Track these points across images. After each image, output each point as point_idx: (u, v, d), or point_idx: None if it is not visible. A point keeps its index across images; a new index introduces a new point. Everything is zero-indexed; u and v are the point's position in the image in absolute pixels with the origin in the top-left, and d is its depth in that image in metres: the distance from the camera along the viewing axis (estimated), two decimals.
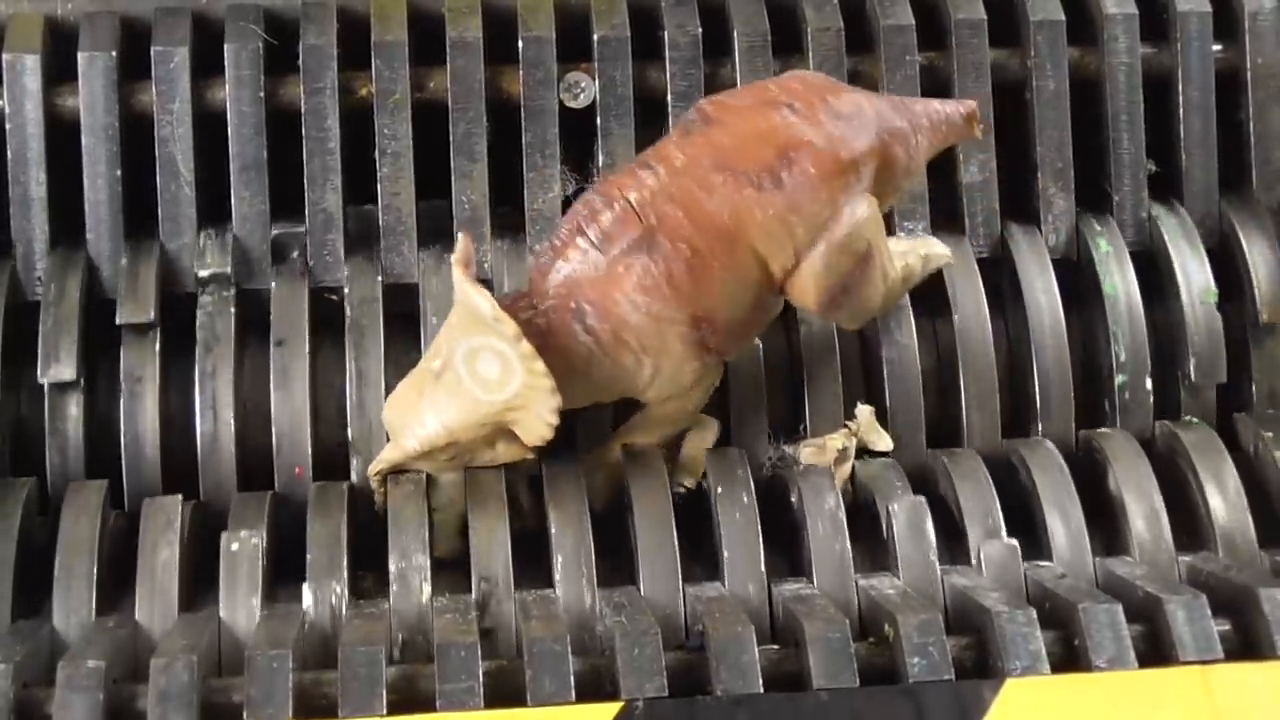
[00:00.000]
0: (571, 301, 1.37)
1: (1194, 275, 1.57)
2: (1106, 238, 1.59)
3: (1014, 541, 1.42)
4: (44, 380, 1.47)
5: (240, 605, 1.36)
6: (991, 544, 1.41)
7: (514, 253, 1.56)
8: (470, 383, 1.37)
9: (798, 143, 1.38)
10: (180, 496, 1.43)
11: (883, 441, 1.51)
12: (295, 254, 1.55)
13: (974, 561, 1.42)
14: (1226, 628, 1.32)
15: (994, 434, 1.53)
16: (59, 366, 1.47)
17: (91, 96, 1.55)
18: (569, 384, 1.37)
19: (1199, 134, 1.62)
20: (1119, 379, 1.55)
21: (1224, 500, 1.45)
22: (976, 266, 1.57)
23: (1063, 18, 1.61)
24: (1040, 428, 1.53)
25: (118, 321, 1.49)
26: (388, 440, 1.44)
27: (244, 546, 1.38)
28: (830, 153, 1.39)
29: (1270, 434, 1.50)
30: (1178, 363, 1.57)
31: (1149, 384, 1.55)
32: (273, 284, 1.54)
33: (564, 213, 1.55)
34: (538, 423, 1.37)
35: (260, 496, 1.44)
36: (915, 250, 1.51)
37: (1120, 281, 1.56)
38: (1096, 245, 1.58)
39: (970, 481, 1.45)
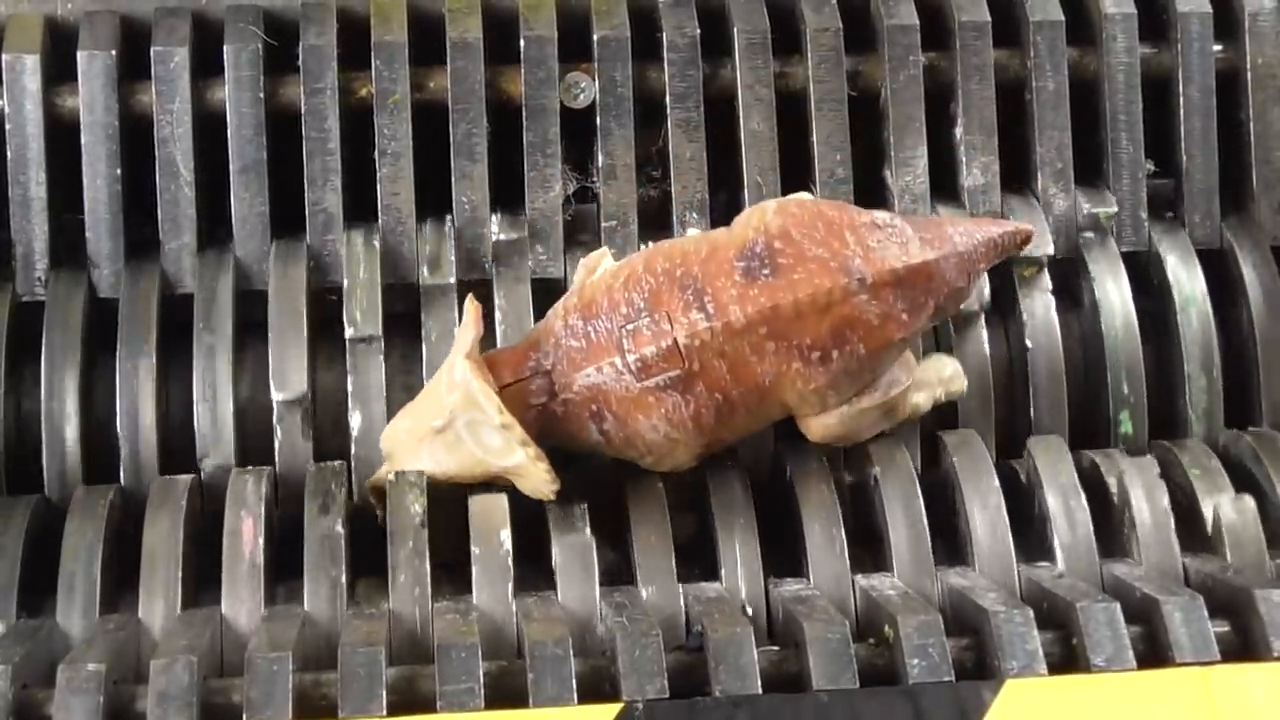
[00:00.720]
0: (593, 404, 1.38)
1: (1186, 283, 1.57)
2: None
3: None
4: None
5: (241, 600, 1.36)
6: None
7: (514, 253, 1.55)
8: (472, 444, 1.39)
9: (857, 323, 1.36)
10: (186, 477, 1.45)
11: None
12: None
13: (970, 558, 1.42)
14: (1225, 629, 1.32)
15: (991, 436, 1.52)
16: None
17: (91, 96, 1.55)
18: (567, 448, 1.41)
19: (1199, 134, 1.62)
20: (1117, 381, 1.55)
21: (1225, 503, 1.45)
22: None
23: (1062, 18, 1.61)
24: (1040, 429, 1.53)
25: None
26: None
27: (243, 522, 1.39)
28: (885, 335, 1.38)
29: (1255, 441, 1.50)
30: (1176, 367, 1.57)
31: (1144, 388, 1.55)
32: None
33: (564, 210, 1.56)
34: (540, 487, 1.40)
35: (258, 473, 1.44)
36: (932, 384, 1.49)
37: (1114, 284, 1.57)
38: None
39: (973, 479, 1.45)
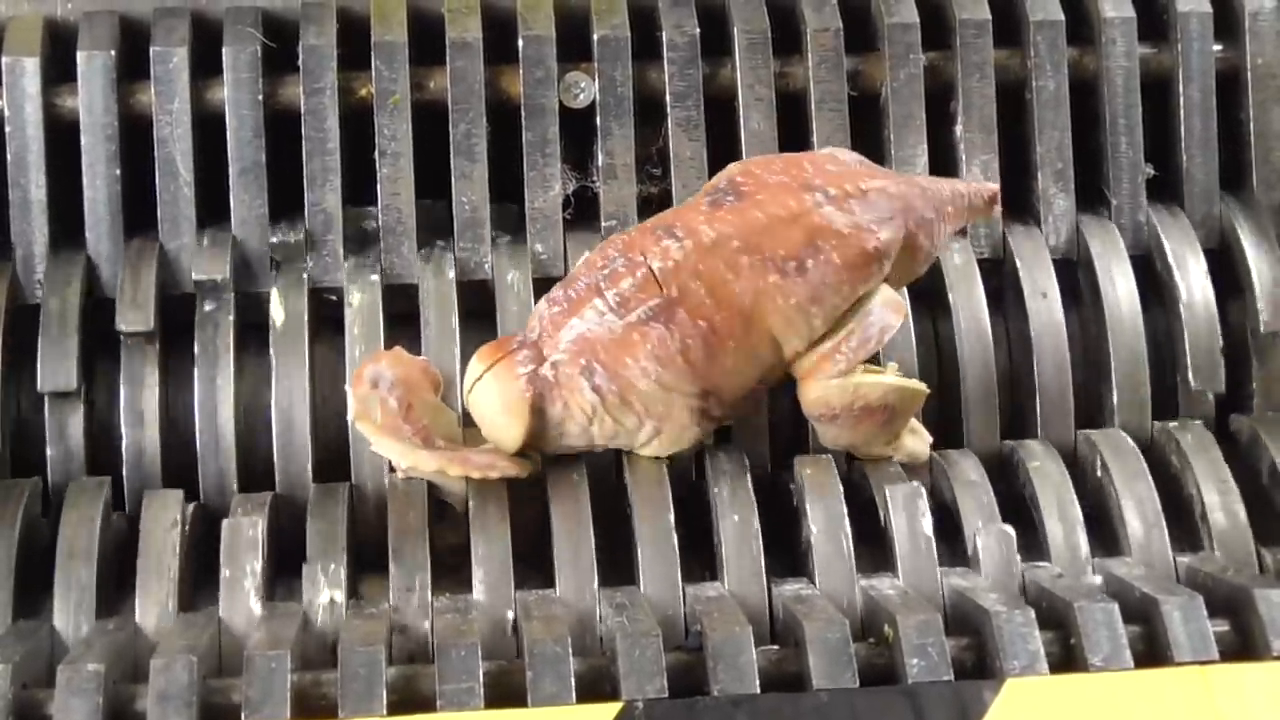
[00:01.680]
0: (582, 359, 1.38)
1: (1193, 281, 1.57)
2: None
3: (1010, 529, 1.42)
4: (43, 390, 1.47)
5: (240, 599, 1.36)
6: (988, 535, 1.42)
7: (514, 253, 1.55)
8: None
9: (827, 231, 1.39)
10: (181, 491, 1.44)
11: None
12: None
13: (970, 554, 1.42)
14: (1224, 628, 1.32)
15: (993, 435, 1.53)
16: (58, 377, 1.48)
17: (90, 96, 1.55)
18: (566, 434, 1.40)
19: (1199, 134, 1.62)
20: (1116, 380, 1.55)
21: (1221, 501, 1.45)
22: (977, 268, 1.57)
23: (1062, 18, 1.61)
24: (1039, 429, 1.53)
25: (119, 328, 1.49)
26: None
27: (244, 533, 1.39)
28: (857, 244, 1.39)
29: (1268, 436, 1.50)
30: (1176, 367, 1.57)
31: (1147, 386, 1.55)
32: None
33: (564, 209, 1.56)
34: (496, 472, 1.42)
35: (261, 498, 1.44)
36: (921, 432, 1.51)
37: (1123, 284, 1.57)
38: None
39: (967, 481, 1.45)
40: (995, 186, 1.51)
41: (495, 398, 1.39)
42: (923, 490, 1.42)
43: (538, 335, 1.40)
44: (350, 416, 1.44)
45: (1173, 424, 1.53)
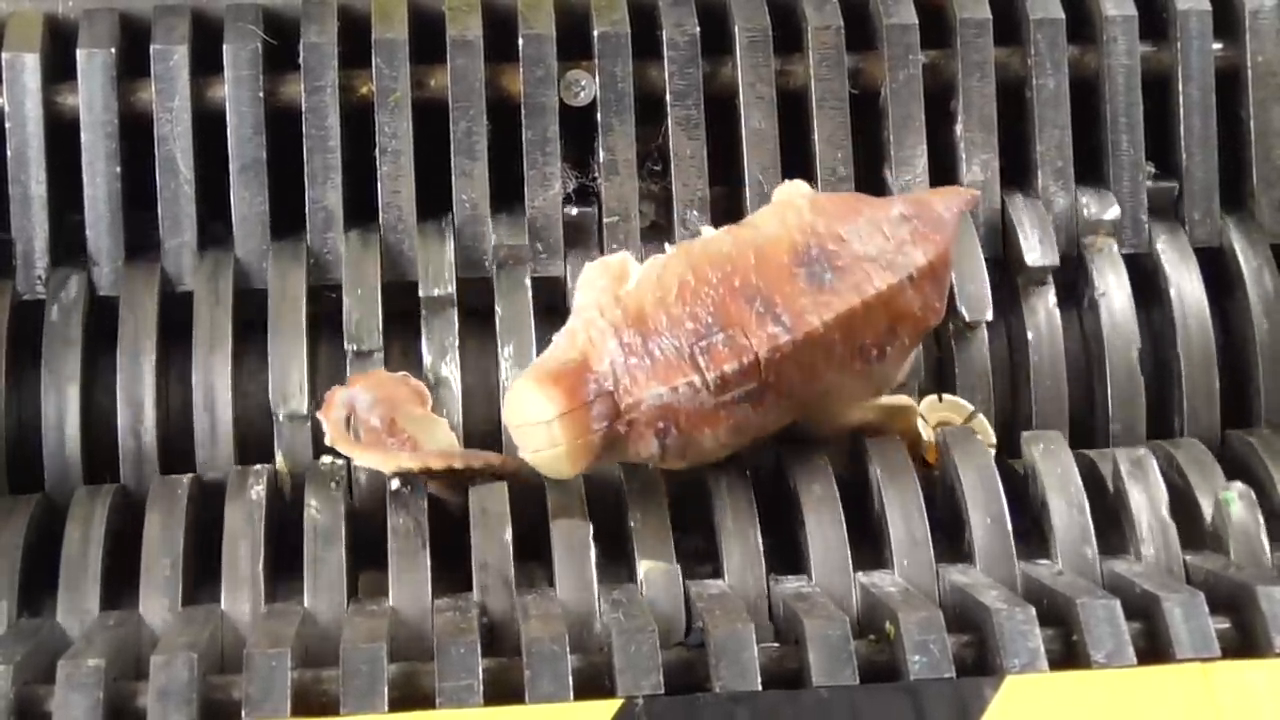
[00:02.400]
0: (661, 423, 1.36)
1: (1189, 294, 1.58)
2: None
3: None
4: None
5: (240, 594, 1.37)
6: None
7: (514, 253, 1.55)
8: None
9: (906, 316, 1.41)
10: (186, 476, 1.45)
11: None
12: None
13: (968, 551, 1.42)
14: (1226, 625, 1.32)
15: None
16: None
17: (91, 94, 1.55)
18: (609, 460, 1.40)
19: (1199, 132, 1.62)
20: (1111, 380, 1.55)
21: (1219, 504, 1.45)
22: (984, 264, 1.57)
23: (1063, 16, 1.61)
24: (1040, 425, 1.54)
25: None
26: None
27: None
28: (925, 324, 1.43)
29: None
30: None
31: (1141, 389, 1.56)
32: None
33: (563, 206, 1.56)
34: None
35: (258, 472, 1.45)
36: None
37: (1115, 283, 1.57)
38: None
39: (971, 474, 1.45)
40: (976, 192, 1.53)
41: (561, 447, 1.35)
42: (919, 489, 1.42)
43: (613, 385, 1.35)
44: (327, 440, 1.43)
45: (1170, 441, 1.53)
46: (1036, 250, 1.56)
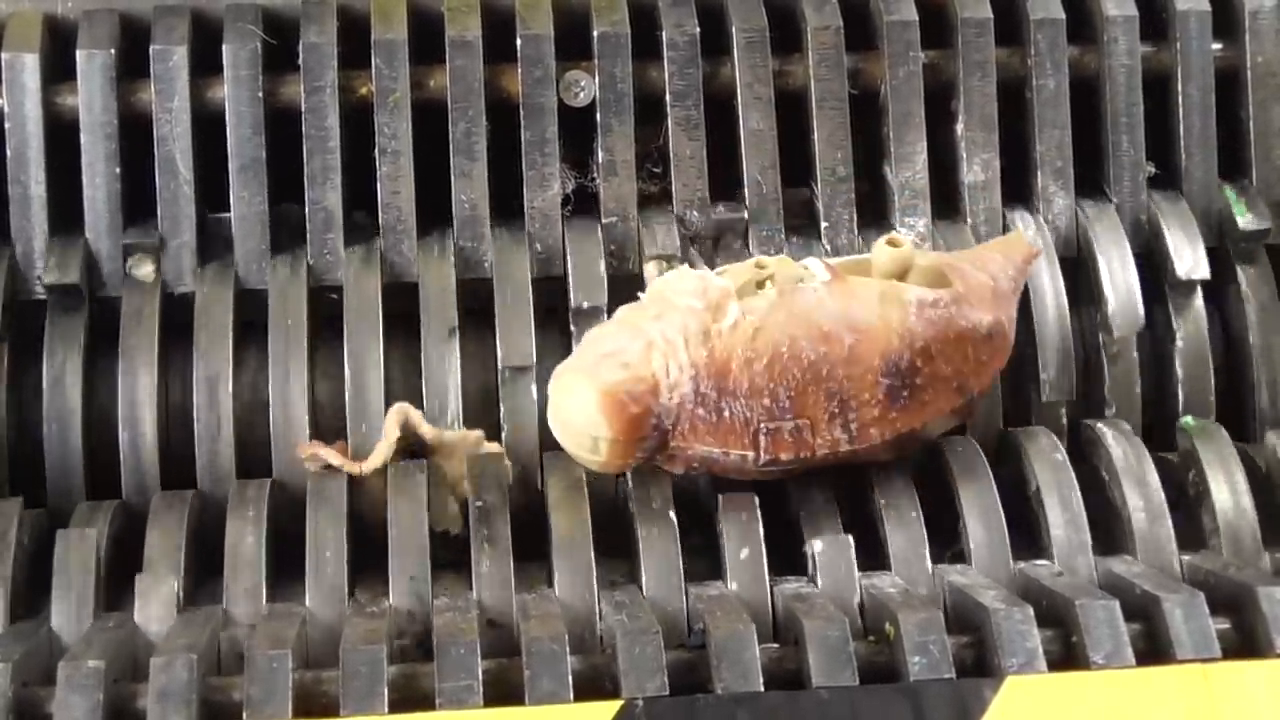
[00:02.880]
0: (696, 463, 1.38)
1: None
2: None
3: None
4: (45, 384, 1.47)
5: (241, 598, 1.37)
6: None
7: (513, 255, 1.55)
8: None
9: (944, 419, 1.43)
10: (189, 492, 1.45)
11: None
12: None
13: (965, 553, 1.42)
14: (1226, 626, 1.32)
15: (994, 423, 1.53)
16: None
17: (90, 94, 1.55)
18: None
19: (1199, 133, 1.62)
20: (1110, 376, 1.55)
21: (1229, 498, 1.45)
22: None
23: (1063, 16, 1.61)
24: (1041, 420, 1.54)
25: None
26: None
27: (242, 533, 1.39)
28: (957, 421, 1.47)
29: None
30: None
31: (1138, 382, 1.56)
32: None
33: (563, 206, 1.56)
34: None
35: (260, 484, 1.45)
36: None
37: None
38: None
39: (969, 474, 1.46)
40: (1038, 249, 1.54)
41: (599, 459, 1.36)
42: (914, 490, 1.43)
43: (672, 424, 1.34)
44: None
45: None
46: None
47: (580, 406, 1.33)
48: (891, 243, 1.44)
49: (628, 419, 1.33)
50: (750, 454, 1.36)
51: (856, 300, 1.39)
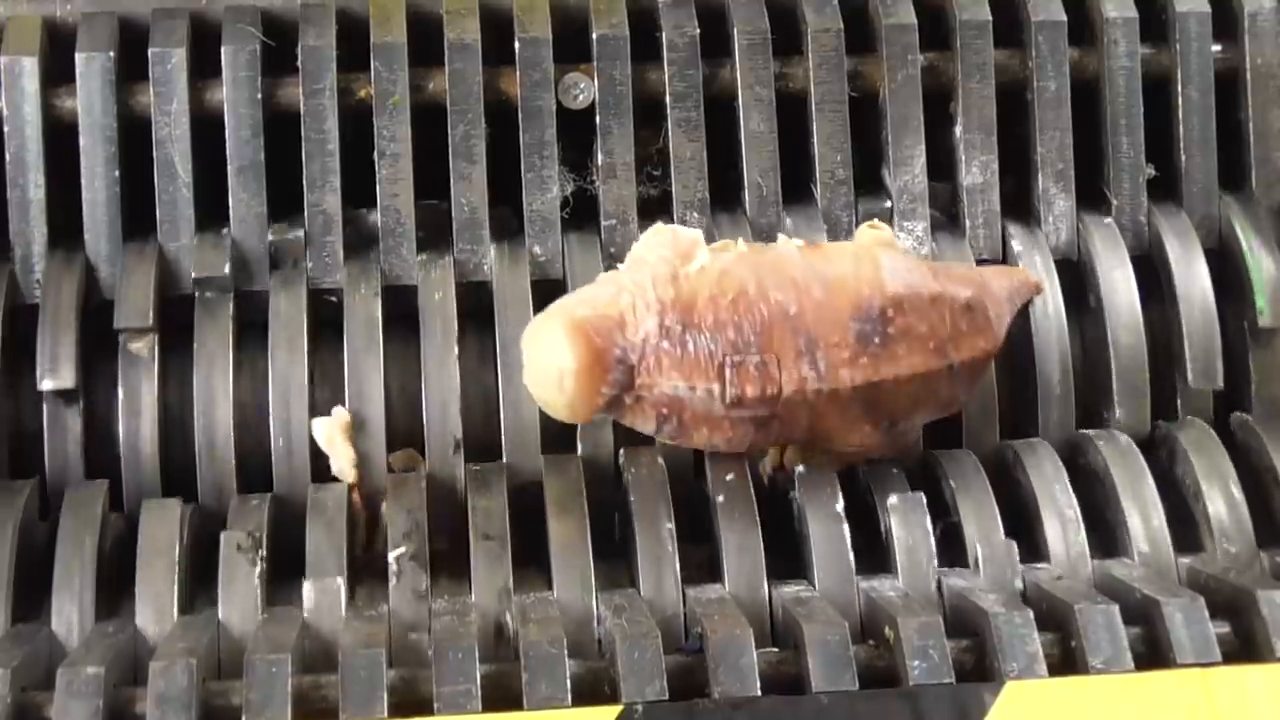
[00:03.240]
0: (665, 409, 1.37)
1: (1193, 280, 1.57)
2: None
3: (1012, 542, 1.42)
4: (43, 388, 1.47)
5: (238, 605, 1.36)
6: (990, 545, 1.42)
7: (513, 255, 1.55)
8: None
9: (932, 397, 1.42)
10: (179, 499, 1.44)
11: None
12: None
13: (971, 563, 1.42)
14: (1225, 630, 1.32)
15: (992, 434, 1.53)
16: (58, 375, 1.48)
17: (89, 97, 1.55)
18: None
19: (1198, 135, 1.62)
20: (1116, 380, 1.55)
21: (1223, 501, 1.45)
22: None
23: (1064, 19, 1.61)
24: (1040, 428, 1.54)
25: (115, 326, 1.49)
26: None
27: (243, 545, 1.38)
28: (947, 407, 1.46)
29: (1267, 435, 1.50)
30: (1175, 365, 1.57)
31: (1146, 385, 1.55)
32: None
33: (562, 209, 1.56)
34: None
35: (260, 498, 1.44)
36: None
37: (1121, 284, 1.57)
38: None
39: (968, 482, 1.45)
40: (1041, 282, 1.54)
41: (565, 396, 1.35)
42: (922, 497, 1.42)
43: (637, 359, 1.35)
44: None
45: (1172, 423, 1.53)
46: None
47: (547, 340, 1.34)
48: (873, 227, 1.48)
49: (593, 350, 1.33)
50: (715, 387, 1.35)
51: (827, 258, 1.41)
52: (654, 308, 1.35)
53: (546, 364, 1.34)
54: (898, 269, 1.41)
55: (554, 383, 1.34)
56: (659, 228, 1.42)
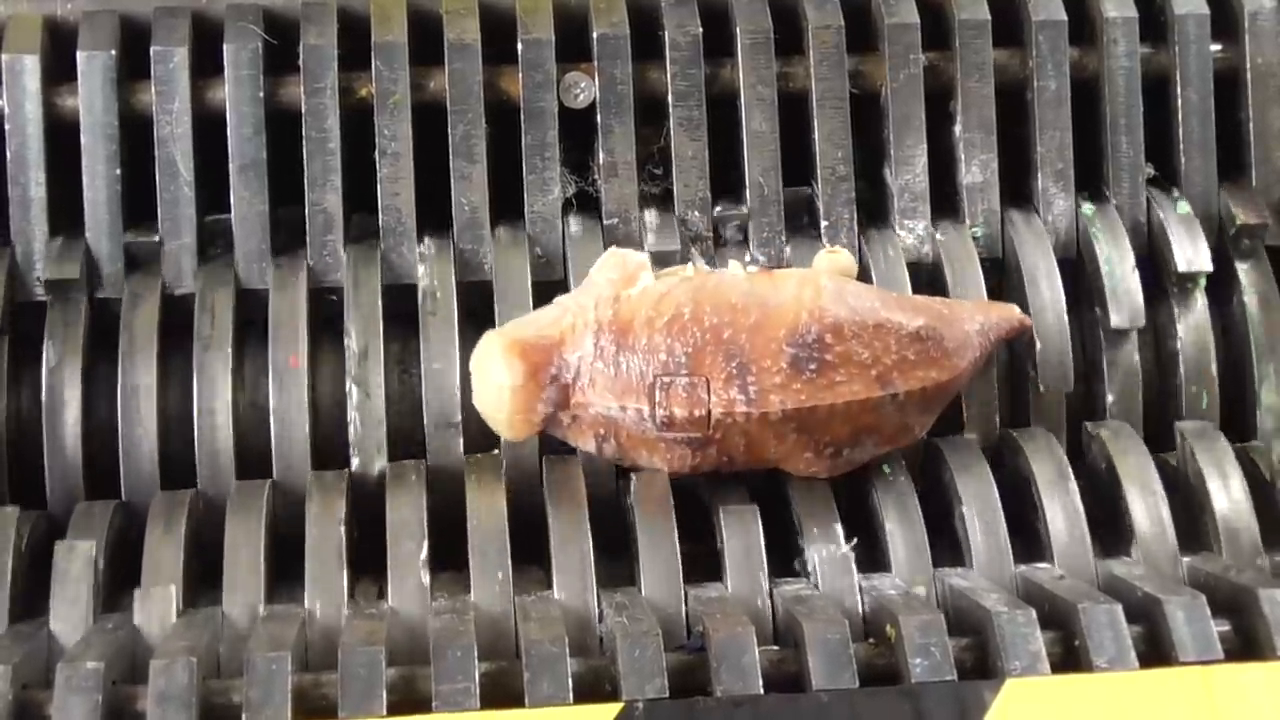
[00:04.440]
0: (602, 430, 1.40)
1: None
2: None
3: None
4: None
5: (240, 600, 1.37)
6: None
7: (513, 255, 1.55)
8: None
9: (878, 428, 1.41)
10: (189, 491, 1.45)
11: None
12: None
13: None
14: (1226, 628, 1.32)
15: (991, 428, 1.53)
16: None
17: (91, 96, 1.55)
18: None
19: (1198, 136, 1.62)
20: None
21: (1228, 500, 1.45)
22: (980, 267, 1.57)
23: (1065, 18, 1.61)
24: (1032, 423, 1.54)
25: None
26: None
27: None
28: (897, 440, 1.44)
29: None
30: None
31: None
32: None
33: (564, 214, 1.56)
34: None
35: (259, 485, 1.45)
36: None
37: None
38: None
39: (969, 475, 1.45)
40: (1028, 322, 1.52)
41: (503, 414, 1.40)
42: (913, 491, 1.42)
43: (572, 378, 1.38)
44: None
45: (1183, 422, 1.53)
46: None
47: (488, 358, 1.40)
48: (832, 253, 1.49)
49: (530, 366, 1.38)
50: (645, 408, 1.37)
51: (773, 283, 1.42)
52: (591, 328, 1.39)
53: (488, 381, 1.39)
54: (842, 295, 1.41)
55: (494, 399, 1.39)
56: (612, 251, 1.45)
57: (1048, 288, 1.55)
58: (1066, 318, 1.54)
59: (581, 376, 1.39)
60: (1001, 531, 1.42)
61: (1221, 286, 1.60)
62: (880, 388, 1.39)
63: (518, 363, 1.38)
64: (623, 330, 1.39)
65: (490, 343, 1.40)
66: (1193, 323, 1.57)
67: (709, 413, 1.37)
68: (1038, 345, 1.53)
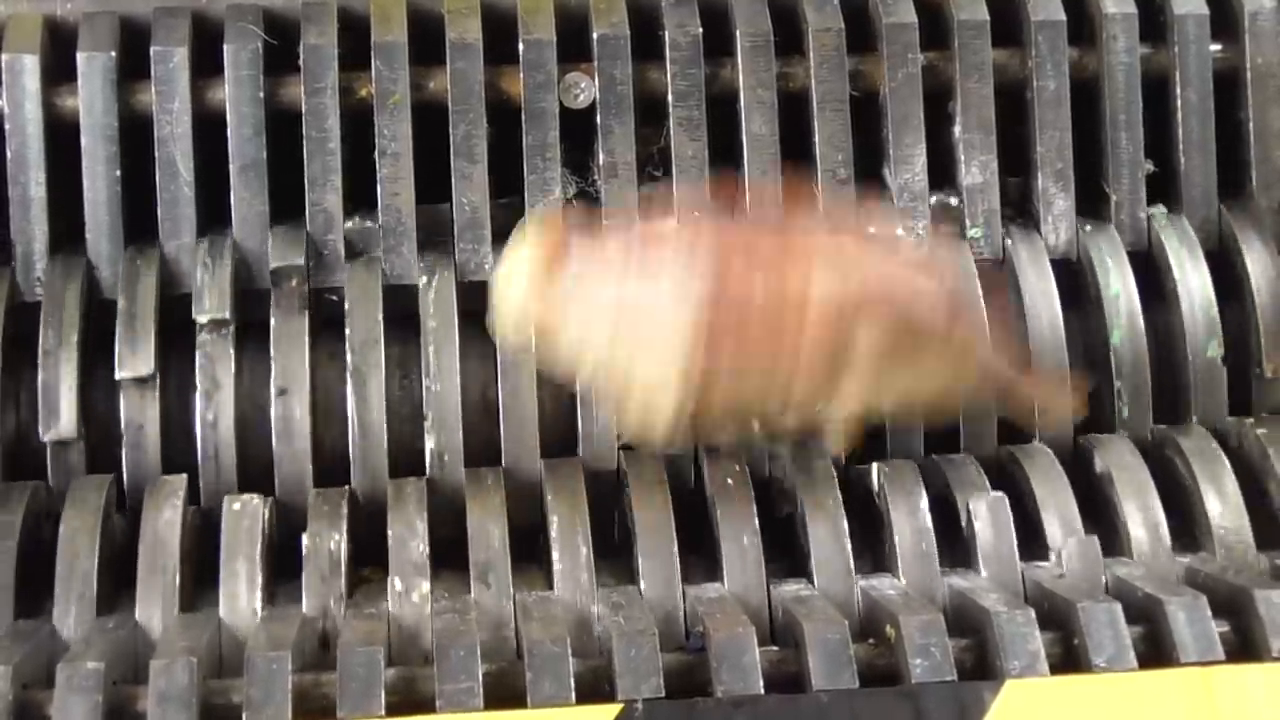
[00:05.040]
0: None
1: (1193, 283, 1.57)
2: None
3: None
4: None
5: (242, 598, 1.37)
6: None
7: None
8: None
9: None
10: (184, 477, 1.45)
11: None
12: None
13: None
14: (1224, 629, 1.32)
15: (990, 437, 1.53)
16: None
17: (91, 96, 1.55)
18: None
19: (1197, 136, 1.62)
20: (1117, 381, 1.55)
21: (1222, 502, 1.45)
22: (975, 268, 1.57)
23: (1064, 18, 1.61)
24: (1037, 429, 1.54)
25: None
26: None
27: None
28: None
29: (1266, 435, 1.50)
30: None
31: (1148, 386, 1.55)
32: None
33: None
34: None
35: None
36: None
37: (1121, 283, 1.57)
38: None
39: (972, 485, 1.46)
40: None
41: (525, 276, 1.36)
42: (922, 491, 1.43)
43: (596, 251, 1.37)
44: None
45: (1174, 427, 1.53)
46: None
47: (528, 232, 1.39)
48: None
49: (555, 237, 1.36)
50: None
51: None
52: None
53: (517, 253, 1.37)
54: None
55: (517, 268, 1.36)
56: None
57: (1043, 292, 1.55)
58: (1061, 319, 1.55)
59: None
60: (1009, 531, 1.43)
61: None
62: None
63: (549, 231, 1.37)
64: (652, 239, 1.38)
65: (533, 223, 1.40)
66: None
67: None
68: (1033, 354, 1.53)
